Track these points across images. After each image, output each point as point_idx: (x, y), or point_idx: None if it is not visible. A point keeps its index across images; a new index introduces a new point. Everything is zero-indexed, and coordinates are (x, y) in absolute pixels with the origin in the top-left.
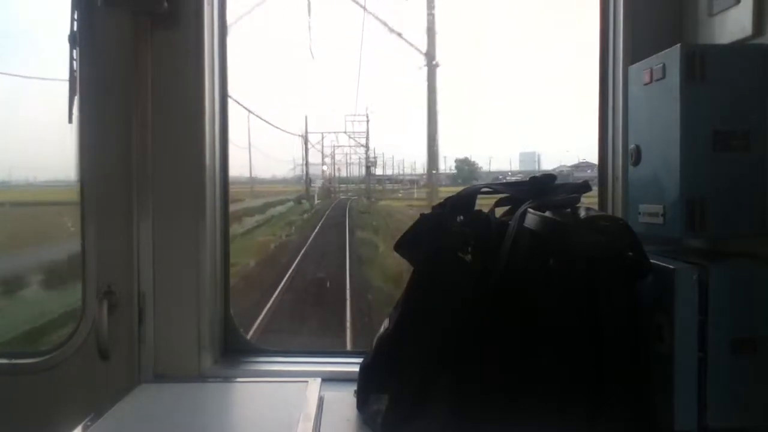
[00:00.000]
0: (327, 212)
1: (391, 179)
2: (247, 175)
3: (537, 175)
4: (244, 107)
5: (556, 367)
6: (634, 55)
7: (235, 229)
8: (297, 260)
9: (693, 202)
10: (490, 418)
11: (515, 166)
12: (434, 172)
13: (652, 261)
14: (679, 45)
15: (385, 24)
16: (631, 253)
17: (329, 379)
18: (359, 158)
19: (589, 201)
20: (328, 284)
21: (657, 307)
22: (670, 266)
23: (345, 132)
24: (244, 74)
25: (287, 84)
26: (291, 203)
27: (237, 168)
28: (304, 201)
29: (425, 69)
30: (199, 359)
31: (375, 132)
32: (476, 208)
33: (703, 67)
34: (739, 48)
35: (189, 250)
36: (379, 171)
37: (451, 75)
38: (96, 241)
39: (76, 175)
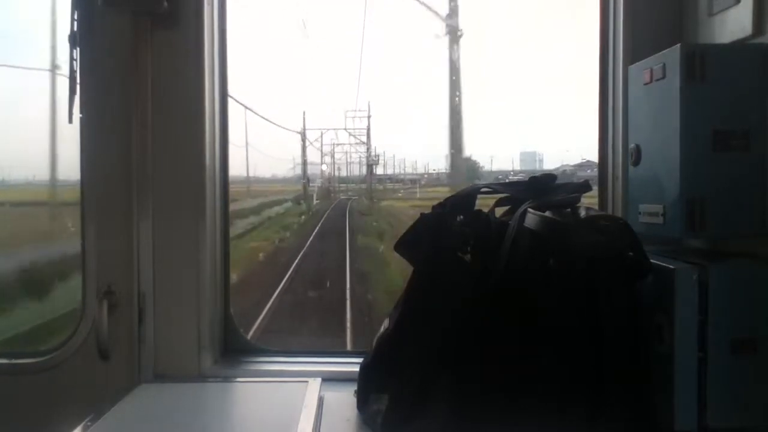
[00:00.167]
0: (326, 214)
1: (391, 179)
2: (247, 174)
3: (537, 174)
4: (240, 104)
5: (556, 367)
6: (634, 55)
7: None
8: (288, 275)
9: (693, 202)
10: (490, 418)
11: (517, 166)
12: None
13: (652, 261)
14: (679, 45)
15: None
16: (631, 253)
17: (329, 379)
18: (359, 157)
19: (589, 201)
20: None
21: (657, 307)
22: (670, 266)
23: (345, 129)
24: (240, 69)
25: (285, 80)
26: (289, 203)
27: (235, 167)
28: (302, 202)
29: (445, 38)
30: (199, 359)
31: (376, 130)
32: (476, 208)
33: (703, 67)
34: (739, 48)
35: (189, 250)
36: (379, 170)
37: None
38: (96, 241)
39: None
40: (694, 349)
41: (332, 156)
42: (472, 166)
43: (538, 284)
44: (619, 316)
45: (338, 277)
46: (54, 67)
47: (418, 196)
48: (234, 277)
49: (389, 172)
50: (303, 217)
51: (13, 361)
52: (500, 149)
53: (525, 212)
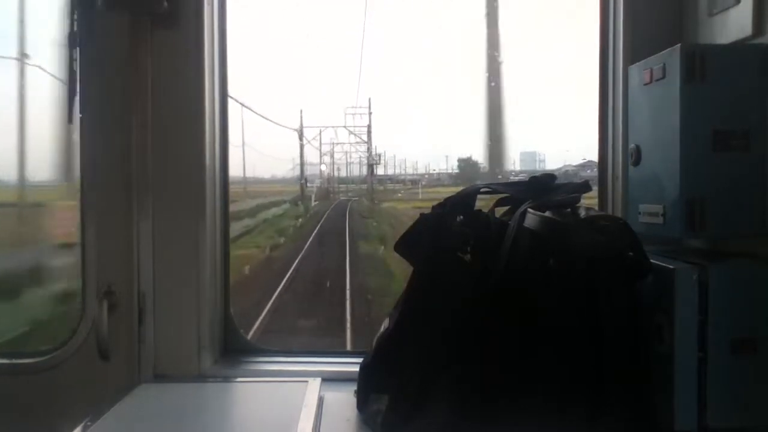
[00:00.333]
0: (324, 216)
1: (392, 179)
2: (244, 174)
3: (537, 174)
4: (237, 101)
5: (556, 367)
6: (634, 55)
7: None
8: (278, 292)
9: (693, 202)
10: (490, 418)
11: (518, 166)
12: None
13: (652, 261)
14: (679, 45)
15: None
16: (631, 253)
17: (329, 379)
18: (360, 157)
19: (589, 201)
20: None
21: (657, 307)
22: (670, 266)
23: (345, 126)
24: (237, 66)
25: (283, 76)
26: (287, 205)
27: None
28: (300, 203)
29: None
30: (199, 359)
31: (377, 129)
32: (476, 207)
33: (703, 67)
34: (739, 48)
35: (189, 250)
36: (380, 171)
37: (452, 74)
38: (96, 241)
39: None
40: (694, 349)
41: (331, 156)
42: (463, 167)
43: (538, 284)
44: (619, 316)
45: (336, 297)
46: (22, 56)
47: (420, 197)
48: None
49: (389, 172)
50: (300, 219)
51: (13, 361)
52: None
53: (525, 212)
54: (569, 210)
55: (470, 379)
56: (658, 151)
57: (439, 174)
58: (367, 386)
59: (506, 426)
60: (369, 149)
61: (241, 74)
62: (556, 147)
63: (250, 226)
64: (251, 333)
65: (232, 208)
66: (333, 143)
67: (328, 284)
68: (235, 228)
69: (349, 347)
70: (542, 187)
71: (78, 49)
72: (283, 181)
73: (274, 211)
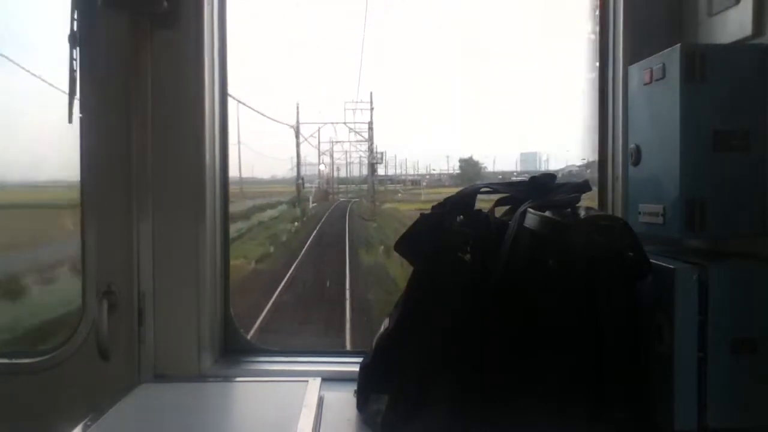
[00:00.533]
0: (323, 219)
1: (392, 180)
2: (240, 174)
3: (537, 174)
4: (233, 98)
5: (555, 367)
6: (634, 55)
7: None
8: (257, 324)
9: (693, 202)
10: (490, 418)
11: (518, 167)
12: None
13: (652, 261)
14: (679, 45)
15: None
16: (631, 253)
17: (329, 378)
18: (360, 157)
19: (589, 201)
20: None
21: (657, 307)
22: (670, 266)
23: (344, 123)
24: (233, 61)
25: (280, 68)
26: (284, 206)
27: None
28: (296, 205)
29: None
30: (199, 359)
31: (378, 126)
32: (476, 207)
33: (703, 67)
34: (739, 48)
35: (189, 250)
36: (380, 171)
37: (453, 74)
38: (96, 240)
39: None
40: (694, 349)
41: (331, 155)
42: (464, 167)
43: (538, 284)
44: (619, 316)
45: (333, 329)
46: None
47: (422, 198)
48: None
49: (390, 172)
50: (296, 223)
51: (13, 361)
52: (503, 149)
53: (525, 212)
54: (569, 210)
55: (470, 378)
56: (658, 151)
57: (440, 174)
58: (367, 386)
59: (506, 426)
60: (370, 147)
61: (237, 68)
62: (557, 147)
63: (241, 230)
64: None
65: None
66: (332, 142)
67: (325, 309)
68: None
69: (348, 347)
70: (542, 187)
71: (78, 49)
72: (283, 181)
73: (270, 213)
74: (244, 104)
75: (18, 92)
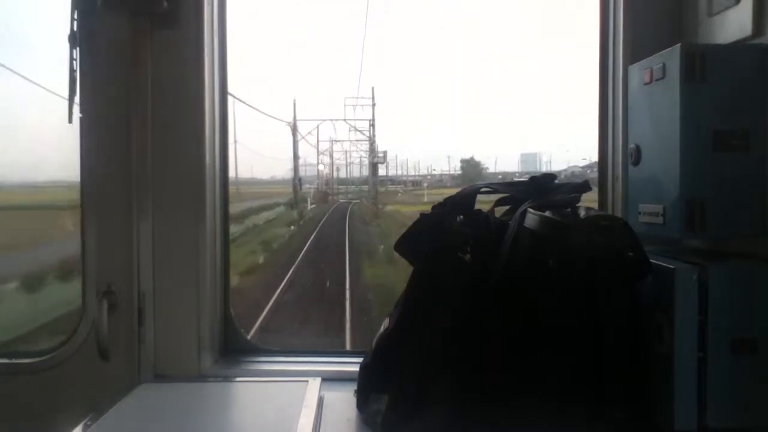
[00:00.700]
0: (321, 222)
1: (393, 180)
2: (236, 174)
3: (537, 174)
4: (230, 94)
5: (555, 367)
6: (634, 55)
7: None
8: None
9: (693, 202)
10: (490, 418)
11: (520, 167)
12: None
13: (652, 261)
14: (679, 45)
15: None
16: (631, 253)
17: (329, 378)
18: (360, 157)
19: (589, 201)
20: None
21: (657, 307)
22: (670, 266)
23: (345, 120)
24: (231, 56)
25: (279, 64)
26: (281, 208)
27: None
28: (294, 207)
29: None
30: (199, 359)
31: (380, 123)
32: (476, 207)
33: (703, 67)
34: (739, 48)
35: (189, 250)
36: (381, 172)
37: (454, 74)
38: (96, 240)
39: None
40: (694, 349)
41: (330, 155)
42: (466, 168)
43: (538, 284)
44: (619, 316)
45: None
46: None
47: (425, 199)
48: None
49: (391, 173)
50: (292, 227)
51: (13, 361)
52: (503, 150)
53: (525, 212)
54: (569, 210)
55: (470, 378)
56: (658, 151)
57: (441, 175)
58: (367, 386)
59: (506, 426)
60: (372, 145)
61: (237, 67)
62: (557, 147)
63: (234, 234)
64: None
65: None
66: (332, 140)
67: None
68: None
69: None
70: (542, 187)
71: (78, 49)
72: (283, 182)
73: (266, 215)
74: (238, 99)
75: (18, 92)
